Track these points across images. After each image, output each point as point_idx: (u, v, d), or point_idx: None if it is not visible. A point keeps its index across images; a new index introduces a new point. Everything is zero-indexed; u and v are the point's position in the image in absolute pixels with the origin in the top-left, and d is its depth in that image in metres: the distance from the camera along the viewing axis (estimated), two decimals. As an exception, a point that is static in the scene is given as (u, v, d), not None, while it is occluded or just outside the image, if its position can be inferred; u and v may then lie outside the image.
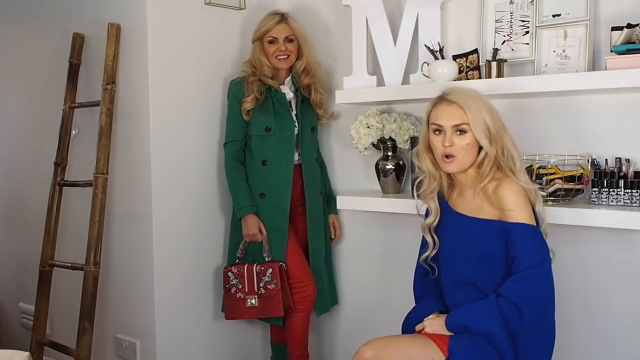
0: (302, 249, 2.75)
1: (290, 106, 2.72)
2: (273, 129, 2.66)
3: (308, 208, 2.74)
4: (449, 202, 2.02)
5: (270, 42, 2.66)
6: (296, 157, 2.71)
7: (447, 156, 1.91)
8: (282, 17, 2.68)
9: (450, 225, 2.01)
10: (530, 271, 1.79)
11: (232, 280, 2.67)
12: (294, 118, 2.71)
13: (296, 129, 2.70)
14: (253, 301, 2.64)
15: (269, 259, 2.66)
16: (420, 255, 2.12)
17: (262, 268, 2.63)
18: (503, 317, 1.80)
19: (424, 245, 2.10)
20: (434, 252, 2.06)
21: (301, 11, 2.86)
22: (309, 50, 2.74)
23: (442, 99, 1.95)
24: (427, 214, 2.08)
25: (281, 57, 2.67)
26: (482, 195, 1.91)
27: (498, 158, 1.90)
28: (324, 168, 2.90)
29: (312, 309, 2.74)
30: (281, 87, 2.72)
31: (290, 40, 2.68)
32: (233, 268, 2.68)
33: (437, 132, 1.93)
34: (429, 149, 1.99)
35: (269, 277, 2.61)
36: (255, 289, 2.63)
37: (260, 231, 2.65)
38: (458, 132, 1.89)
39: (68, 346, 2.80)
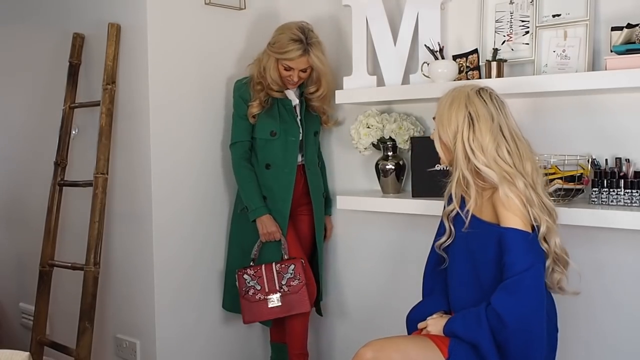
0: (302, 249, 2.75)
1: (296, 112, 2.71)
2: (278, 133, 2.65)
3: (315, 210, 2.75)
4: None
5: (286, 68, 2.60)
6: (299, 158, 2.71)
7: None
8: (305, 50, 2.54)
9: (462, 221, 2.00)
10: (517, 277, 1.76)
11: (249, 283, 2.63)
12: (299, 124, 2.71)
13: (300, 134, 2.70)
14: (275, 301, 2.61)
15: (287, 256, 2.64)
16: (435, 241, 2.10)
17: (283, 266, 2.61)
18: (490, 327, 1.79)
19: (439, 233, 2.09)
20: (449, 241, 2.04)
21: (301, 11, 2.86)
22: (329, 80, 2.67)
23: None
24: (447, 203, 2.06)
25: (291, 82, 2.64)
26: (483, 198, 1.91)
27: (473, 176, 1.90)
28: (324, 170, 2.90)
29: (311, 308, 2.73)
30: (286, 92, 2.70)
31: (305, 70, 2.61)
32: (249, 270, 2.64)
33: None
34: None
35: (291, 274, 2.59)
36: (277, 288, 2.60)
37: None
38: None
39: (68, 346, 2.80)
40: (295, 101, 2.72)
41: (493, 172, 1.83)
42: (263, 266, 2.63)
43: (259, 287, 2.62)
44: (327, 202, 2.88)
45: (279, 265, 2.62)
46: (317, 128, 2.79)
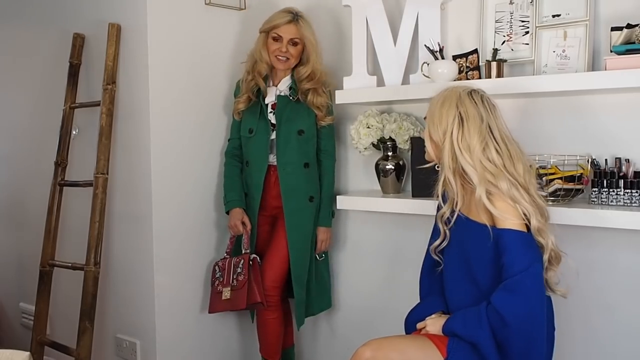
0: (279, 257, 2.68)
1: (273, 109, 2.66)
2: (255, 131, 2.65)
3: (286, 215, 2.63)
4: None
5: (275, 39, 2.60)
6: (271, 158, 2.66)
7: None
8: (294, 18, 2.60)
9: (455, 223, 2.00)
10: (517, 278, 1.77)
11: (217, 274, 2.70)
12: (271, 122, 2.64)
13: (273, 133, 2.63)
14: (227, 294, 2.63)
15: (245, 251, 2.66)
16: (429, 244, 2.11)
17: (237, 260, 2.64)
18: (490, 327, 1.79)
19: (434, 235, 2.09)
20: (445, 243, 2.05)
21: (301, 11, 2.86)
22: (316, 57, 2.63)
23: None
24: (440, 206, 2.07)
25: (281, 57, 2.62)
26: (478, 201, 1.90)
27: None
28: (326, 174, 2.74)
29: (277, 316, 2.69)
30: (269, 89, 2.68)
31: (295, 44, 2.61)
32: (220, 262, 2.71)
33: None
34: None
35: (240, 268, 2.62)
36: (230, 281, 2.64)
37: (244, 223, 2.66)
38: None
39: (68, 346, 2.80)
40: (271, 99, 2.67)
41: (475, 173, 1.84)
42: (228, 259, 2.68)
43: (222, 279, 2.67)
44: (323, 210, 2.71)
45: (236, 259, 2.65)
46: (303, 126, 2.63)
